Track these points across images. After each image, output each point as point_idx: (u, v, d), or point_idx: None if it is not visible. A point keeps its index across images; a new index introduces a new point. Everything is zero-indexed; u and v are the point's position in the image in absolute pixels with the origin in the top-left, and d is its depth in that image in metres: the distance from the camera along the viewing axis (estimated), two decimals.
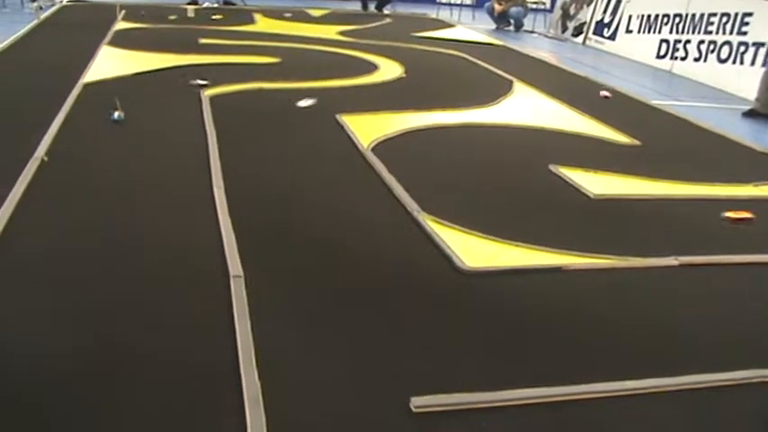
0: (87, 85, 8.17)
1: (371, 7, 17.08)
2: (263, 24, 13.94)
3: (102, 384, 3.14)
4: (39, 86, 8.15)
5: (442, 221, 4.80)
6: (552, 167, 6.04)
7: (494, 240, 4.61)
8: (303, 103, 7.63)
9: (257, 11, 15.63)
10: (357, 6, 17.64)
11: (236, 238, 4.45)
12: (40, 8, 14.34)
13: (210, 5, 16.60)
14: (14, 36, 11.21)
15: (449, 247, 4.48)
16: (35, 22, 12.85)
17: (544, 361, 3.47)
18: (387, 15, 16.49)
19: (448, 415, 3.04)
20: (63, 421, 2.93)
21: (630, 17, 13.21)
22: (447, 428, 2.99)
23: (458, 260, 4.33)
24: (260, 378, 3.17)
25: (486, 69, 10.43)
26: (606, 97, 8.90)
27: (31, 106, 7.26)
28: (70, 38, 11.49)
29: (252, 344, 3.41)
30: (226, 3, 16.90)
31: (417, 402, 3.06)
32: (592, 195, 5.50)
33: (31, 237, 4.47)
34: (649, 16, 12.67)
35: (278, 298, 3.88)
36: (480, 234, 4.67)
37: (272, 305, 3.79)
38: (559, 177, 5.87)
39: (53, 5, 15.31)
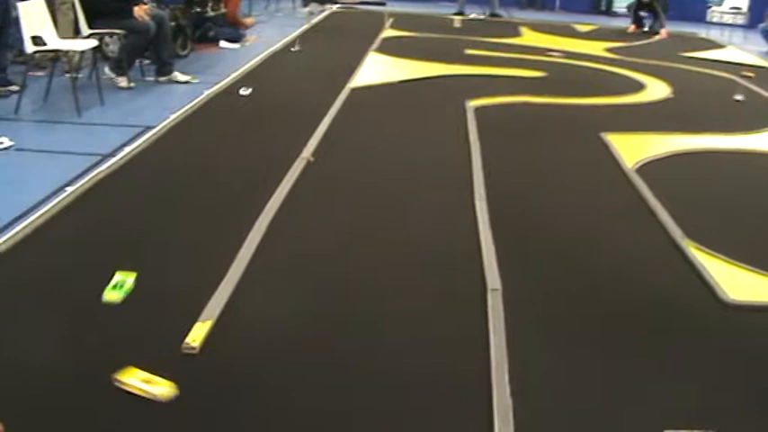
0: (354, 90, 8.43)
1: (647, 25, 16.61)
2: (528, 38, 13.92)
3: (356, 388, 3.25)
4: (309, 89, 8.51)
5: (706, 250, 4.66)
6: None
7: (760, 273, 4.44)
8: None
9: (523, 24, 15.63)
10: (624, 23, 17.33)
11: (496, 250, 4.49)
12: (312, 14, 14.88)
13: (477, 17, 16.73)
14: (286, 39, 11.69)
15: (712, 277, 4.35)
16: (305, 26, 13.34)
17: None
18: (655, 33, 16.11)
19: None
20: (315, 418, 3.05)
21: None
22: None
23: (721, 292, 4.20)
24: (512, 395, 3.18)
25: (759, 94, 10.01)
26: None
27: (301, 108, 7.57)
28: (339, 43, 11.87)
29: (506, 359, 3.43)
30: (492, 15, 16.98)
31: None
32: None
33: (294, 233, 4.71)
34: None
35: (534, 315, 3.89)
36: (747, 266, 4.50)
37: (528, 322, 3.80)
38: None
39: (323, 11, 15.84)
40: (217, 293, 3.86)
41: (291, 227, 4.77)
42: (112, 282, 3.86)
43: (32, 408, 2.97)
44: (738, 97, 8.92)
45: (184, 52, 10.03)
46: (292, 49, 9.25)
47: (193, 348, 3.40)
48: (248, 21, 12.35)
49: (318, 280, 4.15)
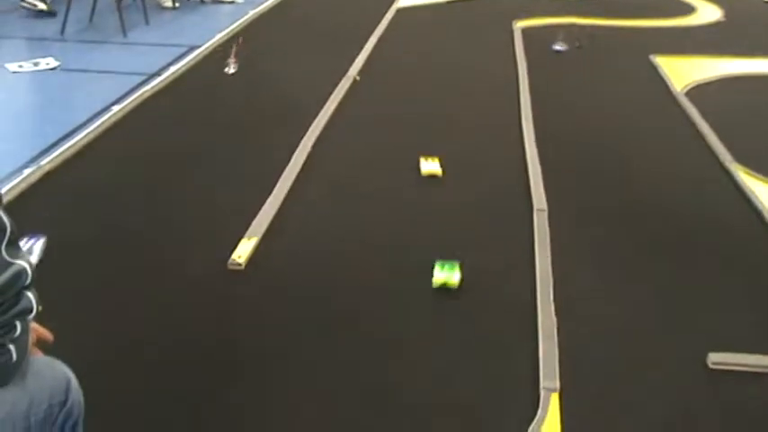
0: (401, 10, 8.35)
1: None
2: None
3: (398, 304, 3.28)
4: (355, 9, 8.44)
5: (755, 174, 4.60)
6: None
7: None
8: None
9: None
10: None
11: (542, 171, 4.47)
12: None
13: None
14: None
15: (761, 201, 4.30)
16: None
17: None
18: None
19: (745, 376, 2.97)
20: (357, 331, 3.08)
21: None
22: (742, 390, 2.91)
23: None
24: (556, 314, 3.19)
25: None
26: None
27: (347, 28, 7.53)
28: None
29: (551, 279, 3.43)
30: None
31: (715, 359, 3.00)
32: None
33: (340, 151, 4.76)
34: None
35: (580, 236, 3.90)
36: None
37: (574, 243, 3.80)
38: None
39: None
40: (263, 210, 3.90)
41: (337, 145, 4.78)
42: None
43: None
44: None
45: None
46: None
47: (239, 264, 3.44)
48: None
49: (363, 197, 4.17)
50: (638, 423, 2.71)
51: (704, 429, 2.72)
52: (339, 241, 3.73)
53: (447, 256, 3.54)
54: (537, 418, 2.67)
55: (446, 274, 3.37)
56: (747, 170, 4.64)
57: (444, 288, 3.35)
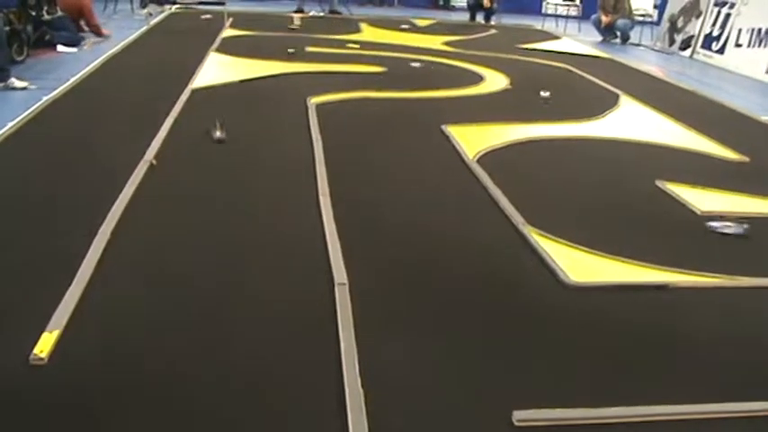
0: (195, 91, 8.33)
1: (480, 18, 16.99)
2: (368, 34, 14.03)
3: (207, 391, 3.22)
4: (149, 91, 8.34)
5: (547, 235, 4.78)
6: (659, 183, 5.96)
7: (599, 255, 4.58)
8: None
9: (363, 20, 15.75)
10: (462, 17, 17.63)
11: (341, 246, 4.50)
12: (150, 15, 14.68)
13: (317, 15, 16.78)
14: (125, 42, 11.48)
15: (553, 260, 4.46)
16: (145, 28, 13.15)
17: (649, 379, 3.43)
18: (492, 26, 16.45)
19: (550, 430, 3.04)
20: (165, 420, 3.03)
21: (740, 31, 12.94)
22: None
23: (562, 274, 4.31)
24: (363, 386, 3.20)
25: (592, 82, 10.35)
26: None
27: (142, 110, 7.43)
28: (179, 44, 11.72)
29: (356, 352, 3.45)
30: (332, 12, 17.07)
31: (520, 416, 3.07)
32: (699, 212, 5.41)
33: (140, 237, 4.62)
34: (760, 30, 12.40)
35: (382, 307, 3.91)
36: (586, 248, 4.64)
37: (376, 314, 3.82)
38: (666, 193, 5.79)
39: (162, 12, 15.66)
40: (63, 302, 3.77)
41: (137, 231, 4.67)
42: None
43: None
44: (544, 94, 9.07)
45: (21, 57, 9.71)
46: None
47: (41, 359, 3.32)
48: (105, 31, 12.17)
49: (166, 284, 4.07)
50: None
51: None
52: (143, 329, 3.65)
53: (251, 333, 3.54)
54: None
55: None
56: (539, 231, 4.82)
57: (243, 376, 3.33)
